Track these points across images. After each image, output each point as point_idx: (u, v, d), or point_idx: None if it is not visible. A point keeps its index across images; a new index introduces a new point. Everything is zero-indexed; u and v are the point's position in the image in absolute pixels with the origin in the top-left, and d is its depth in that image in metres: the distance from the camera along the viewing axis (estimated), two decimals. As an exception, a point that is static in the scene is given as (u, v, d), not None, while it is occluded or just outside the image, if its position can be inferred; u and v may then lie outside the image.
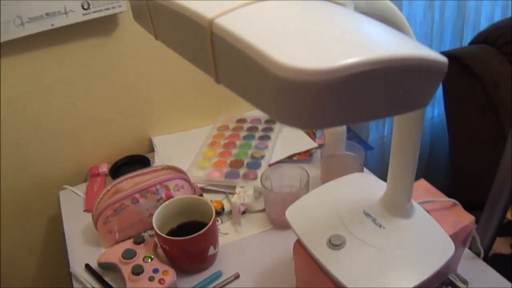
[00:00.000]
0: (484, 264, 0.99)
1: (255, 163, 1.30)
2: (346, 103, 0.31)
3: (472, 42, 1.65)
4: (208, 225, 0.96)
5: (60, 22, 1.21)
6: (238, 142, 1.42)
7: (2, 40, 1.16)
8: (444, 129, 1.71)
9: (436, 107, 1.97)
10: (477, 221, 0.93)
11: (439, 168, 2.05)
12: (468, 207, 1.01)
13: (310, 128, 0.32)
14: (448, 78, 1.58)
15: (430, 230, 0.79)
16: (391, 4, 0.54)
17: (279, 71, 0.29)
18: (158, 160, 1.41)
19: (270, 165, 1.30)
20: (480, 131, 1.49)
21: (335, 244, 0.76)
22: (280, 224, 1.12)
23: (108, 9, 1.25)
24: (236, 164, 1.31)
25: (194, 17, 0.37)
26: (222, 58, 0.35)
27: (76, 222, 1.22)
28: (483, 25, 1.81)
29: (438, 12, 1.72)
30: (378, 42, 0.32)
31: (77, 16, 1.22)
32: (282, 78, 0.29)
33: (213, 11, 0.35)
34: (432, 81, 0.34)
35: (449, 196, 0.95)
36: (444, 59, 0.33)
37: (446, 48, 1.83)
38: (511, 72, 1.43)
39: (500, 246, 1.41)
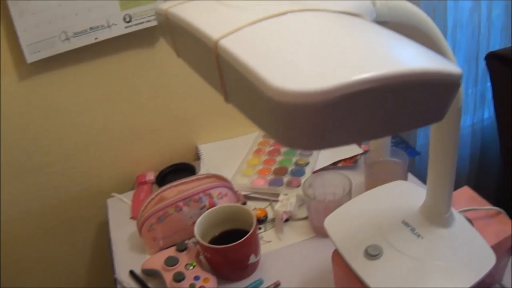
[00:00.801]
0: (533, 274, 0.96)
1: (299, 171, 1.30)
2: (346, 123, 0.30)
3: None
4: (249, 233, 0.97)
5: (103, 35, 1.24)
6: (282, 149, 1.42)
7: (48, 55, 1.20)
8: (495, 134, 1.65)
9: (487, 108, 1.91)
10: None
11: (491, 173, 1.99)
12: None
13: (311, 150, 0.32)
14: (497, 79, 1.54)
15: (470, 240, 0.77)
16: (416, 9, 0.52)
17: (273, 94, 0.29)
18: (204, 168, 1.43)
19: (314, 172, 1.29)
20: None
21: (372, 254, 0.75)
22: (323, 232, 1.11)
23: (149, 21, 1.28)
24: (280, 171, 1.31)
25: (201, 37, 0.37)
26: (228, 79, 0.36)
27: (122, 229, 1.25)
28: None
29: (485, 10, 1.67)
30: (381, 57, 0.31)
31: (120, 29, 1.26)
32: (276, 101, 0.29)
33: (219, 31, 0.36)
34: (444, 95, 0.33)
35: (498, 204, 0.93)
36: (457, 71, 0.32)
37: (496, 47, 1.77)
38: None
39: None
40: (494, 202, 0.93)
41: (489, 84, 1.63)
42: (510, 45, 1.77)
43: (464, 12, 1.68)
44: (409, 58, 0.32)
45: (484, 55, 1.54)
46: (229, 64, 0.33)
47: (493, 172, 1.99)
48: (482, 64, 1.61)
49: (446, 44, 0.56)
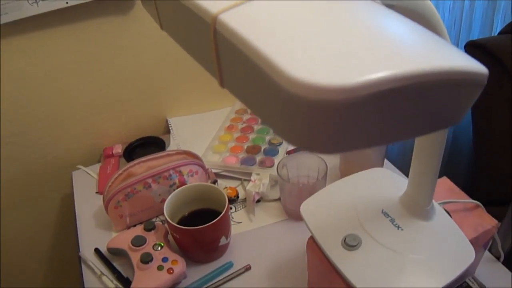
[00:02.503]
0: (503, 268, 0.95)
1: (272, 150, 1.27)
2: (370, 124, 0.26)
3: (502, 32, 1.59)
4: (221, 215, 0.93)
5: (75, 0, 1.18)
6: (256, 127, 1.38)
7: (15, 18, 1.14)
8: (468, 122, 1.65)
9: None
10: (497, 217, 0.90)
11: (461, 162, 2.00)
12: (490, 203, 0.97)
13: (328, 153, 0.28)
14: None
15: (450, 234, 0.76)
16: (425, -1, 0.49)
17: (292, 87, 0.24)
18: (174, 142, 1.39)
19: (288, 153, 1.27)
20: (506, 126, 1.44)
21: (350, 244, 0.73)
22: (295, 215, 1.09)
23: (124, -13, 1.22)
24: (253, 150, 1.28)
25: (196, 10, 0.33)
26: (226, 60, 0.31)
27: (88, 204, 1.20)
28: (515, 14, 1.74)
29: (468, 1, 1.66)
30: (409, 51, 0.27)
31: (93, -6, 1.19)
32: (296, 95, 0.24)
33: (219, 4, 0.31)
34: (470, 96, 0.30)
35: (470, 192, 0.92)
36: (484, 70, 0.28)
37: (475, 36, 1.77)
38: (542, 66, 1.38)
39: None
40: (463, 188, 0.93)
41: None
42: (489, 35, 1.77)
43: (447, 3, 1.67)
44: (438, 53, 0.28)
45: (464, 44, 1.53)
46: (231, 44, 0.29)
47: (464, 161, 2.00)
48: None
49: (447, 34, 0.54)
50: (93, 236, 1.10)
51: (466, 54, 0.30)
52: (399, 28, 0.31)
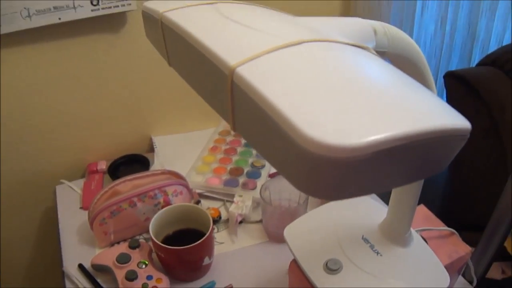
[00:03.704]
0: (477, 292, 0.99)
1: (255, 173, 1.30)
2: (372, 175, 0.30)
3: (480, 64, 1.65)
4: (205, 236, 0.95)
5: (67, 16, 1.20)
6: (239, 149, 1.41)
7: (7, 31, 1.15)
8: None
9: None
10: (471, 242, 0.93)
11: (437, 187, 2.04)
12: (464, 228, 1.00)
13: (332, 200, 0.31)
14: (453, 98, 1.58)
15: (426, 261, 0.79)
16: (414, 43, 0.53)
17: (305, 143, 0.28)
18: (157, 160, 1.41)
19: (270, 175, 1.29)
20: (483, 155, 1.48)
21: (331, 268, 0.76)
22: (277, 238, 1.12)
23: (117, 6, 1.24)
24: (236, 172, 1.30)
25: (214, 60, 0.35)
26: (241, 109, 0.34)
27: (71, 219, 1.21)
28: (493, 45, 1.80)
29: (449, 29, 1.71)
30: (404, 110, 0.31)
31: (86, 11, 1.21)
32: (307, 151, 0.28)
33: (236, 56, 0.34)
34: (455, 148, 0.33)
35: (445, 217, 0.95)
36: (467, 124, 0.32)
37: (454, 66, 1.82)
38: (518, 98, 1.43)
39: (492, 271, 1.41)
40: (438, 214, 0.96)
41: (444, 99, 1.67)
42: (467, 66, 1.82)
43: (428, 32, 1.72)
44: (429, 112, 0.32)
45: (443, 73, 1.58)
46: (248, 97, 0.31)
47: (439, 188, 2.04)
48: (440, 81, 1.66)
49: (431, 77, 0.57)
50: (76, 251, 1.11)
51: (451, 108, 0.33)
52: (395, 85, 0.35)
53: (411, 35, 1.64)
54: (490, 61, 1.59)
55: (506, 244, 1.38)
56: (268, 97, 0.30)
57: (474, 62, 1.82)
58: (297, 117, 0.29)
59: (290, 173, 0.32)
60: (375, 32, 0.46)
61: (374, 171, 0.30)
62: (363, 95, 0.31)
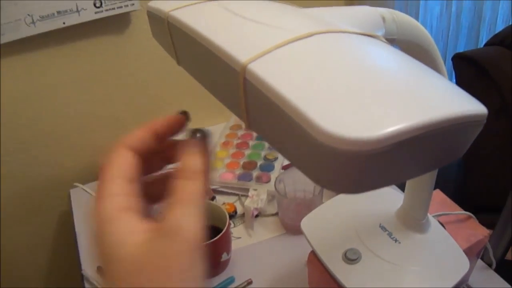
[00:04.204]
0: (496, 275, 0.98)
1: (268, 165, 1.30)
2: (391, 167, 0.30)
3: (488, 44, 1.63)
4: (222, 232, 0.96)
5: (71, 20, 1.20)
6: (251, 143, 1.41)
7: (12, 39, 1.15)
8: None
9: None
10: (488, 225, 0.93)
11: (452, 170, 2.03)
12: (481, 210, 1.00)
13: (351, 193, 0.31)
14: (462, 80, 1.57)
15: (445, 246, 0.79)
16: (422, 28, 0.52)
17: (323, 138, 0.27)
18: (171, 158, 1.40)
19: (283, 168, 1.29)
20: (495, 136, 1.47)
21: (350, 258, 0.76)
22: (293, 230, 1.11)
23: (120, 7, 1.24)
24: (249, 165, 1.30)
25: (225, 58, 0.35)
26: (255, 106, 0.34)
27: (87, 221, 1.21)
28: (500, 25, 1.78)
29: (455, 11, 1.70)
30: (421, 99, 0.30)
31: (89, 14, 1.22)
32: (326, 145, 0.27)
33: (247, 53, 0.34)
34: (472, 134, 0.33)
35: (461, 200, 0.95)
36: (484, 110, 0.32)
37: (462, 48, 1.81)
38: (528, 77, 1.42)
39: (511, 252, 1.40)
40: (453, 198, 0.96)
41: (454, 81, 1.66)
42: (475, 47, 1.81)
43: (434, 15, 1.71)
44: (446, 100, 0.31)
45: (451, 56, 1.57)
46: (261, 93, 0.31)
47: (453, 171, 2.03)
48: (449, 63, 1.64)
49: (442, 61, 0.57)
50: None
51: (466, 93, 0.33)
52: (408, 73, 0.34)
53: (416, 18, 1.63)
54: (498, 40, 1.57)
55: (524, 224, 1.37)
56: (282, 92, 0.30)
57: (481, 43, 1.80)
58: (313, 111, 0.28)
59: (309, 169, 0.31)
60: (383, 19, 0.46)
61: (393, 163, 0.29)
62: (378, 85, 0.31)
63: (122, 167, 0.39)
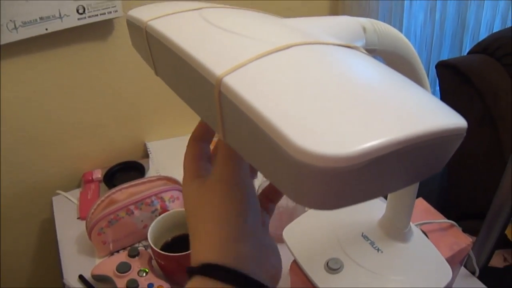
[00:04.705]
0: (479, 282, 0.98)
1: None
2: (368, 183, 0.29)
3: (471, 52, 1.64)
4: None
5: (54, 26, 1.19)
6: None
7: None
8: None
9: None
10: (472, 231, 0.93)
11: (433, 180, 2.04)
12: (464, 217, 1.00)
13: (324, 209, 0.30)
14: (446, 88, 1.57)
15: (427, 255, 0.79)
16: (404, 38, 0.52)
17: (298, 155, 0.27)
18: (153, 166, 1.40)
19: (266, 175, 1.28)
20: (478, 143, 1.48)
21: (332, 268, 0.75)
22: (276, 238, 1.10)
23: (103, 14, 1.23)
24: (233, 173, 1.29)
25: (201, 70, 0.35)
26: (231, 120, 0.33)
27: (69, 229, 1.20)
28: (483, 33, 1.80)
29: (439, 18, 1.71)
30: (400, 113, 0.30)
31: (72, 20, 1.20)
32: (301, 162, 0.27)
33: (223, 65, 0.33)
34: (452, 147, 0.33)
35: (445, 207, 0.95)
36: (464, 122, 0.32)
37: (445, 56, 1.82)
38: (511, 85, 1.43)
39: (493, 259, 1.40)
40: (436, 206, 0.96)
41: (437, 88, 1.67)
42: (458, 54, 1.82)
43: (418, 22, 1.71)
44: (425, 114, 0.31)
45: (435, 63, 1.58)
46: (236, 107, 0.31)
47: (436, 179, 2.04)
48: (433, 71, 1.65)
49: (424, 72, 0.57)
50: (76, 262, 1.10)
51: (446, 106, 0.33)
52: (388, 85, 0.34)
53: (400, 26, 1.63)
54: (481, 48, 1.59)
55: (506, 232, 1.38)
56: (257, 107, 0.29)
57: (465, 51, 1.81)
58: (287, 127, 0.28)
59: (284, 185, 0.31)
60: (364, 29, 0.46)
61: (370, 179, 0.29)
62: (355, 99, 0.30)
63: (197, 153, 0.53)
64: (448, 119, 0.31)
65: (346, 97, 0.30)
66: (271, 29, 0.41)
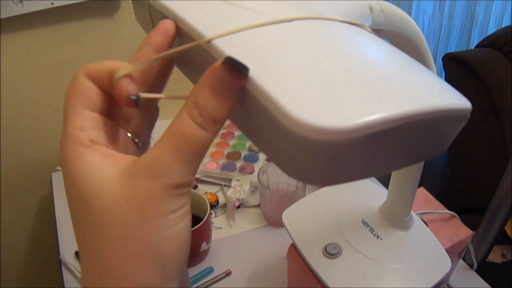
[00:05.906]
0: (477, 276, 0.98)
1: (252, 156, 1.29)
2: (366, 159, 0.28)
3: (479, 45, 1.63)
4: (203, 221, 0.94)
5: (60, 1, 1.18)
6: (236, 133, 1.40)
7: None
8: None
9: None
10: (471, 226, 0.93)
11: (436, 170, 2.04)
12: (464, 211, 0.99)
13: (321, 185, 0.30)
14: (452, 80, 1.57)
15: (427, 244, 0.78)
16: (411, 20, 0.51)
17: (293, 125, 0.26)
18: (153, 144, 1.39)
19: (267, 159, 1.28)
20: (482, 137, 1.47)
21: (331, 253, 0.75)
22: (275, 222, 1.11)
23: (111, -10, 1.22)
24: (233, 156, 1.29)
25: (192, 34, 0.34)
26: None
27: (67, 206, 1.19)
28: (492, 27, 1.79)
29: (448, 11, 1.70)
30: (401, 90, 0.29)
31: (79, -5, 1.19)
32: (296, 134, 0.26)
33: (216, 30, 0.32)
34: (455, 129, 0.32)
35: (445, 200, 0.94)
36: (468, 104, 0.31)
37: (453, 49, 1.81)
38: (517, 80, 1.42)
39: (492, 254, 1.40)
40: (437, 197, 0.95)
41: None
42: (466, 48, 1.81)
43: (427, 14, 1.70)
44: (427, 92, 0.30)
45: (441, 55, 1.57)
46: None
47: (438, 171, 2.03)
48: (439, 63, 1.64)
49: (430, 55, 0.56)
50: (73, 239, 1.08)
51: (451, 87, 0.32)
52: (390, 63, 0.33)
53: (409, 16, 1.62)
54: (489, 43, 1.57)
55: (506, 227, 1.38)
56: (250, 74, 0.29)
57: (473, 44, 1.81)
58: (283, 97, 0.27)
59: (279, 158, 0.30)
60: (371, 9, 0.45)
61: (368, 155, 0.28)
62: (356, 74, 0.29)
63: (85, 97, 0.35)
64: (452, 99, 0.30)
65: (346, 72, 0.29)
66: (277, 5, 0.40)
